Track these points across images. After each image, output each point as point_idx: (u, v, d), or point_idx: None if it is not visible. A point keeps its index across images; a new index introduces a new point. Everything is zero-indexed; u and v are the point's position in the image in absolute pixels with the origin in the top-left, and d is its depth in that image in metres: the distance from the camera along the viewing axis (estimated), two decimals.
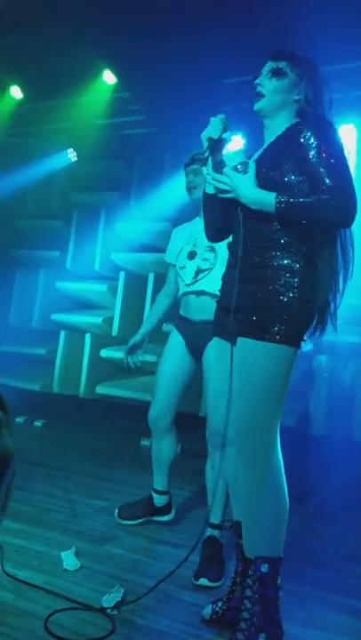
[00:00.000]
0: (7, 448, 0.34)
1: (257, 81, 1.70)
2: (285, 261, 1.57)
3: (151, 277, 4.54)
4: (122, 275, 4.62)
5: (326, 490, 3.48)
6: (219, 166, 1.70)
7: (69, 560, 2.01)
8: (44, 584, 1.85)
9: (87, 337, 4.76)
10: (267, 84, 1.68)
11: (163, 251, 4.49)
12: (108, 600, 1.74)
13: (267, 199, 1.54)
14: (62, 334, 4.81)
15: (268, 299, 1.56)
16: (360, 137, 3.92)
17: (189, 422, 4.33)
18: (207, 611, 1.74)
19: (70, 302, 5.01)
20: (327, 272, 1.62)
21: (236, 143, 4.28)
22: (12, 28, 3.40)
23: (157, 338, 4.55)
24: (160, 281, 4.55)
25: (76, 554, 2.08)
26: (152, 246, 4.61)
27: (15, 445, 0.33)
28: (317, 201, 1.50)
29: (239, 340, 1.61)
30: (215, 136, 1.67)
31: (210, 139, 1.67)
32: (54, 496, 2.83)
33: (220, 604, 1.73)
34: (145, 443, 4.22)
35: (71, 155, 4.97)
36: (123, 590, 1.79)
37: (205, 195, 1.78)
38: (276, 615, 1.56)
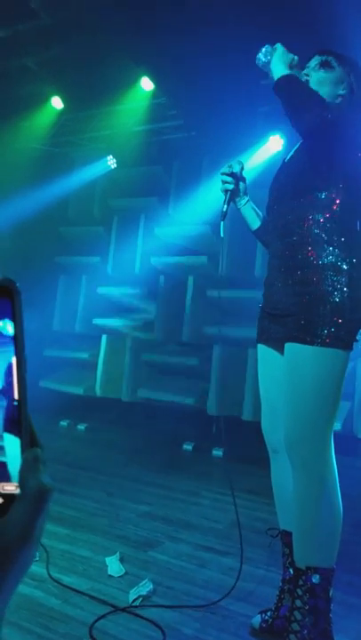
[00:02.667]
0: (44, 484, 0.34)
1: (304, 72, 1.67)
2: (330, 259, 1.52)
3: (191, 281, 4.53)
4: (162, 278, 4.64)
5: None
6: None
7: (114, 566, 2.02)
8: (89, 590, 1.86)
9: (128, 340, 4.80)
10: (314, 75, 1.66)
11: (202, 254, 4.52)
12: (134, 593, 1.79)
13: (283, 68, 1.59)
14: (104, 338, 4.88)
15: (317, 301, 1.50)
16: None
17: (233, 425, 4.31)
18: (256, 620, 1.71)
19: (112, 306, 5.07)
20: None
21: (276, 143, 4.25)
22: (53, 41, 3.47)
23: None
24: (199, 284, 4.55)
25: (121, 559, 2.09)
26: (191, 250, 4.60)
27: (52, 482, 0.33)
28: (316, 97, 1.53)
29: (288, 345, 1.56)
30: (231, 187, 1.75)
31: (226, 191, 1.75)
32: (99, 500, 2.85)
33: (269, 613, 1.70)
34: (187, 446, 4.21)
35: (111, 162, 5.03)
36: (151, 586, 1.81)
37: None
38: (327, 627, 1.51)
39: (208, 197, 4.30)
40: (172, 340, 4.66)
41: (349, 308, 1.50)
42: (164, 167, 4.83)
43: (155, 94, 4.14)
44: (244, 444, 4.15)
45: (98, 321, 4.96)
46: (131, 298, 4.96)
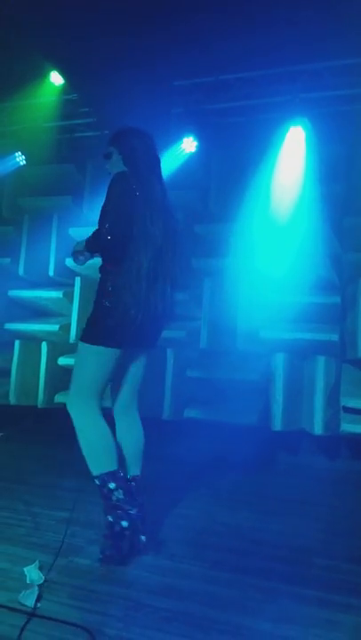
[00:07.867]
0: None
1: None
2: (103, 284, 2.23)
3: None
4: (77, 280, 4.54)
5: (285, 484, 3.52)
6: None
7: (33, 574, 1.93)
8: (8, 602, 1.77)
9: (44, 345, 4.64)
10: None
11: None
12: (25, 596, 1.77)
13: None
14: (17, 344, 4.68)
15: (92, 311, 2.23)
16: (308, 138, 4.02)
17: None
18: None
19: (25, 310, 4.88)
20: (129, 286, 2.15)
21: (189, 145, 4.34)
22: None
23: None
24: None
25: (40, 568, 2.00)
26: None
27: None
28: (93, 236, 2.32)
29: None
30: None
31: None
32: (15, 510, 2.73)
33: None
34: None
35: (19, 158, 4.84)
36: (37, 590, 1.81)
37: None
38: (118, 516, 2.13)
39: None
40: None
41: (101, 315, 2.16)
42: (76, 166, 4.73)
43: (65, 90, 4.04)
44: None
45: (10, 326, 4.75)
46: (45, 301, 4.80)
